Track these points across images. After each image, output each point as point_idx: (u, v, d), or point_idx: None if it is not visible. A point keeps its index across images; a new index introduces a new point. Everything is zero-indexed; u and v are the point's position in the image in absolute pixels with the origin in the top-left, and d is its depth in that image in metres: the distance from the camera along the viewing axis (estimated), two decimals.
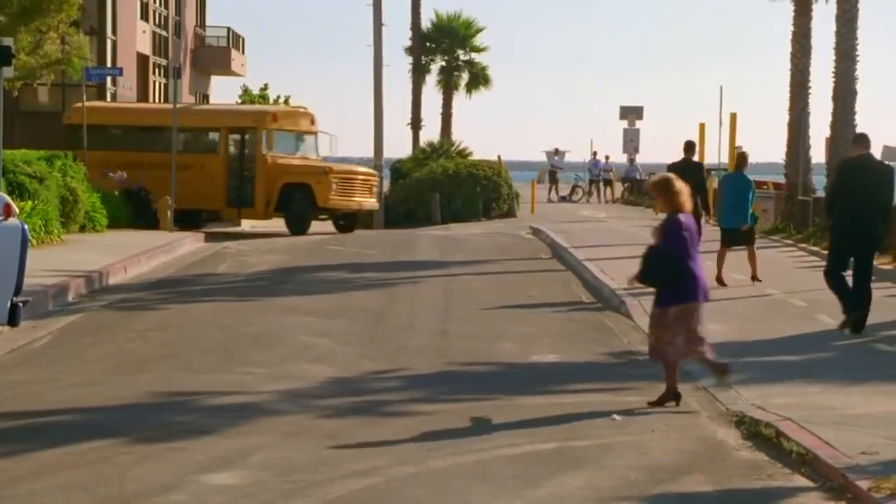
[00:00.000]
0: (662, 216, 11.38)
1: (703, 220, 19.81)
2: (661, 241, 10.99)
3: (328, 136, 36.18)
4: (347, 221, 34.03)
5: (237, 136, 33.58)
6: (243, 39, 54.32)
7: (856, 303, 14.34)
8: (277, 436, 9.70)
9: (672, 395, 10.96)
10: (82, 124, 32.07)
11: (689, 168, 19.94)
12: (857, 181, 14.32)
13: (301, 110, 35.49)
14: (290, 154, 33.64)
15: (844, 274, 14.54)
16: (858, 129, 29.78)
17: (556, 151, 59.69)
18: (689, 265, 10.92)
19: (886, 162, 15.27)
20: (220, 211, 33.70)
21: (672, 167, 20.16)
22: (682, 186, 11.11)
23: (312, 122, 34.47)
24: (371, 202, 34.53)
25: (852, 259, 14.57)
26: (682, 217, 10.99)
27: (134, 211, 31.56)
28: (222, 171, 33.23)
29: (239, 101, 51.59)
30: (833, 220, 14.63)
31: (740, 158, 20.87)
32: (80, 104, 32.33)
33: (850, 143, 15.09)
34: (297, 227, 32.86)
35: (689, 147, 20.70)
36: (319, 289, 19.73)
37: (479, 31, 55.49)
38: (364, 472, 8.62)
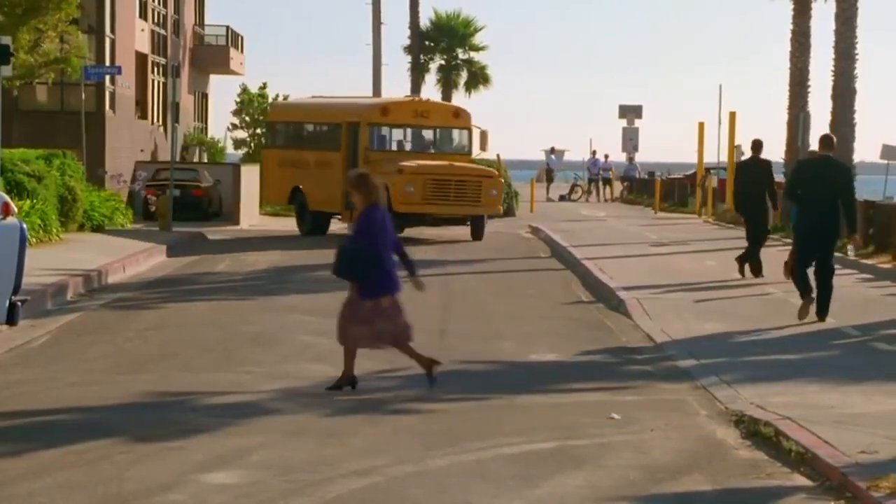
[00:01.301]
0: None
1: (770, 216, 20.85)
2: (356, 234, 11.17)
3: (478, 131, 31.18)
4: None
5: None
6: (242, 38, 54.27)
7: (811, 295, 15.36)
8: (277, 435, 9.69)
9: (348, 380, 11.29)
10: (277, 122, 31.87)
11: (759, 166, 20.28)
12: (816, 181, 15.13)
13: (435, 103, 32.38)
14: (420, 151, 29.57)
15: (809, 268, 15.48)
16: (858, 129, 29.84)
17: (553, 150, 59.68)
18: (382, 257, 11.09)
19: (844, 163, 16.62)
20: (340, 213, 29.94)
21: (742, 165, 20.78)
22: (377, 181, 11.49)
23: (456, 115, 30.50)
24: (480, 209, 28.45)
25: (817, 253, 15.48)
26: (375, 210, 11.19)
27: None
28: (340, 170, 28.59)
29: (238, 100, 51.54)
30: (796, 220, 15.70)
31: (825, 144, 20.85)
32: (281, 100, 32.07)
33: (819, 143, 16.00)
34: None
35: (757, 145, 21.02)
36: (318, 288, 19.70)
37: (478, 29, 55.48)
38: (363, 472, 8.62)
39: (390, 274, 11.28)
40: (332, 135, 30.35)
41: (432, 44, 54.45)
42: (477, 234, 28.91)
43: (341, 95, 32.67)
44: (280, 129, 33.40)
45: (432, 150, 29.99)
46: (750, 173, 20.49)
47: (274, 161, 32.43)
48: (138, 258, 23.09)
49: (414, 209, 27.66)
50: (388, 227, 11.32)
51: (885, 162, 28.20)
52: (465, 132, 30.32)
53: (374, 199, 11.26)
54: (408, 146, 30.14)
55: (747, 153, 22.14)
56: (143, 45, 41.45)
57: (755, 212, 20.31)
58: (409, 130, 30.29)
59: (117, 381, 11.78)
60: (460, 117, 30.44)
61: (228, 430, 9.78)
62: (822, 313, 15.38)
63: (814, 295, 15.28)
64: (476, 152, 31.40)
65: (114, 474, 8.48)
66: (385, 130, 30.20)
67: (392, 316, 11.30)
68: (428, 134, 30.36)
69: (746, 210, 20.49)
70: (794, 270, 15.74)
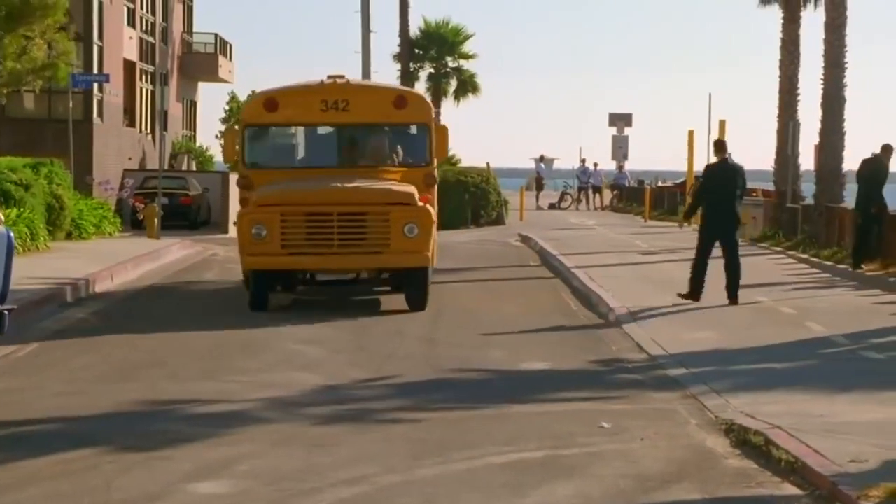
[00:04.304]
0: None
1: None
2: None
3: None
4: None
5: None
6: (231, 46, 54.27)
7: (698, 296, 17.68)
8: (265, 444, 9.64)
9: None
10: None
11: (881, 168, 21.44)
12: (717, 183, 17.57)
13: (360, 85, 20.74)
14: (332, 167, 18.90)
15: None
16: (848, 138, 29.86)
17: (542, 158, 59.74)
18: None
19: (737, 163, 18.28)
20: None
21: (865, 162, 21.76)
22: None
23: (399, 103, 19.14)
24: (386, 258, 17.77)
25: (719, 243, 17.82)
26: None
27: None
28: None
29: (227, 107, 51.52)
30: (702, 220, 17.79)
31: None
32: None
33: (714, 148, 18.23)
34: None
35: (886, 149, 21.90)
36: (307, 296, 19.66)
37: (467, 38, 55.48)
38: (352, 481, 8.57)
39: None
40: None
41: (422, 52, 54.46)
42: (414, 299, 17.71)
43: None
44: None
45: (357, 165, 18.72)
46: (867, 176, 21.36)
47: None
48: (126, 266, 23.02)
49: (269, 264, 17.39)
50: None
51: None
52: (417, 130, 18.96)
53: None
54: (318, 157, 18.92)
55: (737, 161, 22.17)
56: (132, 53, 41.40)
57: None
58: (319, 133, 19.33)
59: (104, 391, 11.73)
60: (408, 107, 18.87)
61: (216, 440, 9.73)
62: (734, 295, 17.49)
63: (703, 292, 17.52)
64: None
65: (101, 484, 8.43)
66: (281, 135, 19.57)
67: None
68: (350, 136, 18.89)
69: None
70: (697, 266, 17.64)
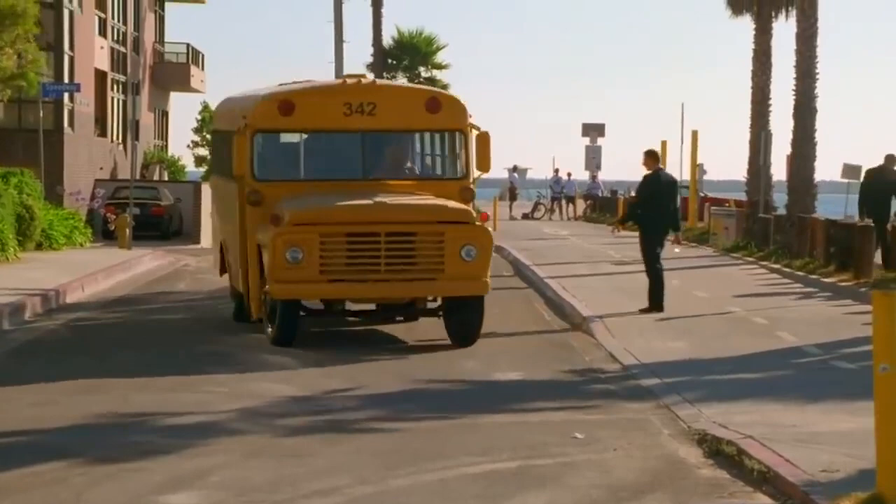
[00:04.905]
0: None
1: None
2: None
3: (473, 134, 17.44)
4: None
5: None
6: (203, 56, 54.14)
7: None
8: (237, 455, 9.59)
9: None
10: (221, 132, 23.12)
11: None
12: (657, 192, 17.87)
13: (390, 86, 19.94)
14: (357, 180, 16.51)
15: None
16: (819, 148, 30.04)
17: (515, 168, 59.79)
18: None
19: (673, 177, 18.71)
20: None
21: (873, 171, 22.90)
22: None
23: (432, 106, 16.62)
24: (440, 285, 15.54)
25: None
26: None
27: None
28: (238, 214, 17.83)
29: (199, 117, 51.41)
30: (645, 231, 18.01)
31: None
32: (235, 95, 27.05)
33: (645, 157, 18.25)
34: None
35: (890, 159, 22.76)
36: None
37: (440, 48, 55.53)
38: (324, 492, 8.54)
39: None
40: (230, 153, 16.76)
41: (395, 62, 54.47)
42: (464, 334, 15.62)
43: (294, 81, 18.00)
44: (216, 142, 20.17)
45: (384, 176, 16.35)
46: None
47: (212, 197, 20.80)
48: (97, 277, 22.90)
49: (305, 293, 15.39)
50: None
51: (846, 181, 28.37)
52: (453, 137, 16.63)
53: None
54: (335, 170, 16.38)
55: (710, 171, 22.40)
56: (103, 63, 41.24)
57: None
58: (340, 140, 16.51)
59: (75, 402, 11.65)
60: (441, 110, 16.51)
61: (188, 451, 9.67)
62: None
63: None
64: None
65: (71, 497, 8.36)
66: (296, 143, 16.87)
67: None
68: (376, 144, 16.51)
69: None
70: (660, 281, 17.84)
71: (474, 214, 15.84)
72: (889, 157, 23.20)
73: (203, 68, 53.95)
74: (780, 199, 32.78)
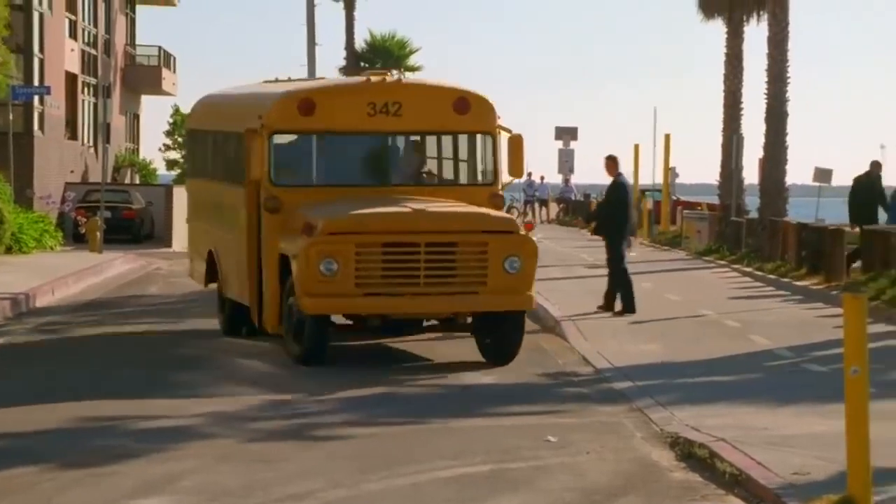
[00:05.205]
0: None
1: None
2: None
3: (505, 137, 16.32)
4: None
5: None
6: (174, 58, 53.95)
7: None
8: (209, 459, 9.55)
9: None
10: (198, 131, 18.47)
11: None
12: (624, 196, 18.33)
13: (417, 84, 17.29)
14: (379, 185, 15.66)
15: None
16: (791, 151, 30.18)
17: None
18: None
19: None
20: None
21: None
22: None
23: (461, 106, 15.54)
24: (484, 299, 14.44)
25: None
26: None
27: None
28: (245, 223, 16.53)
29: (171, 120, 51.22)
30: (615, 235, 18.23)
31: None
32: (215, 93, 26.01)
33: (607, 162, 18.44)
34: None
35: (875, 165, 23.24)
36: None
37: (413, 51, 55.53)
38: (297, 496, 8.51)
39: None
40: (236, 155, 15.95)
41: (367, 65, 54.39)
42: (503, 352, 14.58)
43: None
44: (199, 142, 18.78)
45: (410, 181, 15.52)
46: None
47: (191, 201, 19.16)
48: (67, 281, 22.78)
49: (340, 308, 14.38)
50: None
51: (818, 184, 28.50)
52: (483, 141, 15.64)
53: None
54: (358, 174, 15.51)
55: (683, 175, 22.45)
56: (73, 65, 41.03)
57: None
58: (363, 142, 15.50)
59: (45, 407, 11.57)
60: (470, 111, 15.49)
61: (159, 455, 9.62)
62: (613, 305, 18.34)
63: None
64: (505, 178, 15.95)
65: (41, 502, 8.31)
66: (316, 145, 15.40)
67: None
68: (402, 147, 15.82)
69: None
70: (629, 281, 18.16)
71: (518, 224, 15.12)
72: (874, 164, 23.46)
73: (175, 71, 53.77)
74: (752, 203, 32.89)
